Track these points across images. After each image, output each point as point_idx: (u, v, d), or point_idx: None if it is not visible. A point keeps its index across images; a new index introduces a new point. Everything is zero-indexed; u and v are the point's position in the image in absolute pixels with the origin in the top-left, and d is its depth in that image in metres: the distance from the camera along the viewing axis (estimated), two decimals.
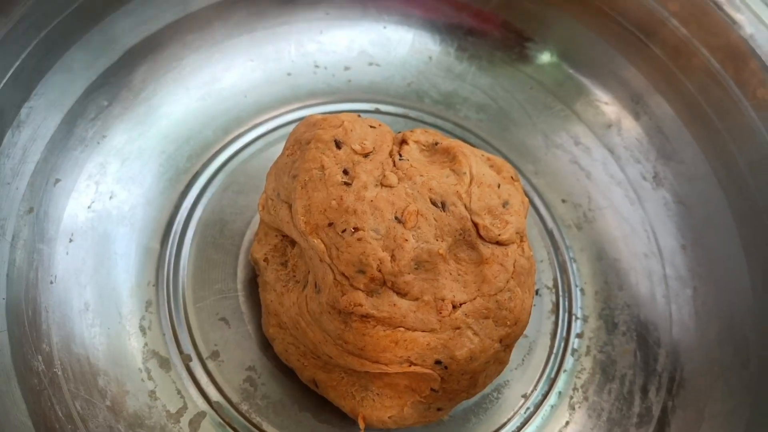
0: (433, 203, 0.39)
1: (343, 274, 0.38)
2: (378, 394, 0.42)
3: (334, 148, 0.40)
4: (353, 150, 0.40)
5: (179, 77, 0.54)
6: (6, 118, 0.44)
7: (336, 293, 0.38)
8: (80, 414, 0.41)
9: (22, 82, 0.45)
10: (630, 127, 0.60)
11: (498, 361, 0.42)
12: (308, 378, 0.44)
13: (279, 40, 0.58)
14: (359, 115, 0.44)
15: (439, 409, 0.42)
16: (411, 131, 0.45)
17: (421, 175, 0.40)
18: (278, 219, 0.42)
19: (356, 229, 0.37)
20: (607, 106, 0.61)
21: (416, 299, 0.38)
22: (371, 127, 0.42)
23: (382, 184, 0.39)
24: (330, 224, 0.38)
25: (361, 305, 0.37)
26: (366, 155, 0.41)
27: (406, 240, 0.38)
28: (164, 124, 0.53)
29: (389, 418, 0.42)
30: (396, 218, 0.38)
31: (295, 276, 0.44)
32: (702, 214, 0.56)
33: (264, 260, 0.46)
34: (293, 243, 0.44)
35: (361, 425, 0.42)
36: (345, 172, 0.39)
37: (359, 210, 0.38)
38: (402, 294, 0.38)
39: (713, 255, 0.54)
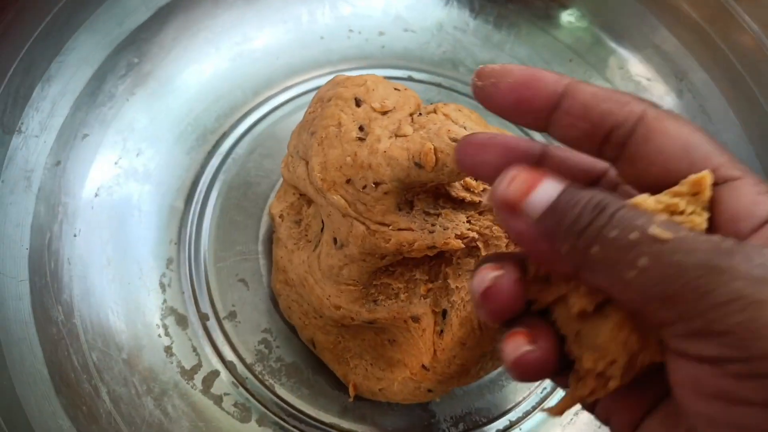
0: (454, 141, 0.35)
1: (380, 223, 0.36)
2: (371, 364, 0.42)
3: (354, 106, 0.38)
4: (372, 108, 0.38)
5: (211, 36, 0.54)
6: (36, 72, 0.45)
7: (376, 240, 0.37)
8: (96, 365, 0.42)
9: (53, 38, 0.45)
10: (672, 106, 0.57)
11: (496, 358, 0.40)
12: (307, 337, 0.44)
13: (313, 1, 0.57)
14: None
15: (429, 391, 0.40)
16: (444, 104, 0.41)
17: (435, 124, 0.37)
18: (295, 176, 0.41)
19: (377, 184, 0.36)
20: (649, 82, 0.58)
21: None
22: (396, 89, 0.40)
23: (396, 135, 0.37)
24: (348, 181, 0.36)
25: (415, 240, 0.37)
26: (385, 113, 0.38)
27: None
28: (194, 82, 0.53)
29: (380, 390, 0.42)
30: (416, 164, 0.35)
31: (306, 235, 0.43)
32: None
33: (279, 216, 0.45)
34: (309, 203, 0.44)
35: (351, 392, 0.43)
36: (361, 128, 0.37)
37: (374, 163, 0.36)
38: None
39: None
